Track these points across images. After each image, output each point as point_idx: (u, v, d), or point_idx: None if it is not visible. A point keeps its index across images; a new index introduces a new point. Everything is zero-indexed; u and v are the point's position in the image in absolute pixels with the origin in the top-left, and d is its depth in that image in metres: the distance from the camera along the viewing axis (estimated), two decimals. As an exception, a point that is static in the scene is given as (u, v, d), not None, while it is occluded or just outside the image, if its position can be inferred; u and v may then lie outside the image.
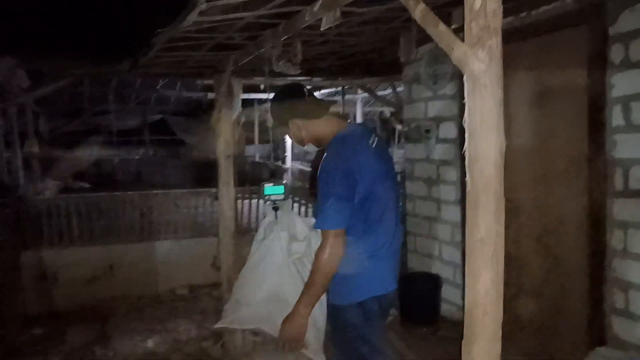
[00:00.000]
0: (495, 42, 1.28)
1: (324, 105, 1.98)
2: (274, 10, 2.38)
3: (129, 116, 13.19)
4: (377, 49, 3.96)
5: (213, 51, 3.27)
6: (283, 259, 3.28)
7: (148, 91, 11.80)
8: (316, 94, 9.75)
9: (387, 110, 11.00)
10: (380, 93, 8.24)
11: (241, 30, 2.79)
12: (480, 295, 1.26)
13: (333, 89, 8.66)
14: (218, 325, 3.16)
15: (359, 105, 10.62)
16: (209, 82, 4.60)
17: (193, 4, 2.07)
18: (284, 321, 1.91)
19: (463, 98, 1.29)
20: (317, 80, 5.75)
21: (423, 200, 3.90)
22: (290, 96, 1.97)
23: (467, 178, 1.30)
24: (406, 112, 4.21)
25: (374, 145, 1.95)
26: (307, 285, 1.87)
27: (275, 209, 3.18)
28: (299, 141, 2.03)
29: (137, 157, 13.83)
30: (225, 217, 3.42)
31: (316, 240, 2.06)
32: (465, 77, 1.30)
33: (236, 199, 4.05)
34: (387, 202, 1.95)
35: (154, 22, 2.76)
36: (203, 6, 2.05)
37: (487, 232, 1.26)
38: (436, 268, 3.65)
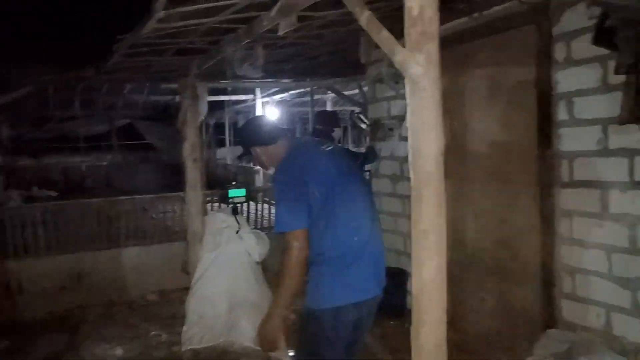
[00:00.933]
0: (432, 47, 1.37)
1: (278, 131, 2.13)
2: (233, 16, 2.44)
3: (96, 122, 12.95)
4: (340, 51, 4.04)
5: (176, 56, 3.30)
6: (249, 263, 3.31)
7: (115, 96, 11.59)
8: (285, 95, 9.77)
9: (357, 110, 11.15)
10: (348, 93, 8.35)
11: (202, 35, 2.84)
12: (425, 283, 1.35)
13: (302, 90, 8.73)
14: (186, 348, 3.14)
15: (328, 105, 10.73)
16: (175, 85, 4.60)
17: (151, 12, 2.11)
18: (260, 326, 1.95)
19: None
20: (285, 81, 5.82)
21: (389, 196, 4.00)
22: (251, 127, 2.17)
23: (411, 174, 1.39)
24: (371, 111, 4.32)
25: (327, 149, 2.06)
26: (277, 289, 1.92)
27: (235, 212, 3.22)
28: (263, 166, 2.17)
29: (105, 163, 13.59)
30: (193, 221, 3.45)
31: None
32: (406, 80, 1.39)
33: (205, 202, 4.07)
34: (355, 202, 1.98)
35: (118, 28, 2.77)
36: (161, 14, 2.09)
37: (430, 224, 1.35)
38: (402, 263, 3.76)
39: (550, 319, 2.58)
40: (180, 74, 3.67)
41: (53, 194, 10.44)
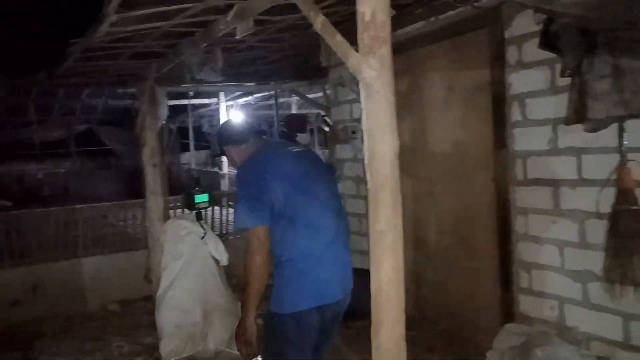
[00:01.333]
0: (385, 51, 1.39)
1: (249, 131, 2.18)
2: (189, 19, 2.41)
3: (52, 127, 12.46)
4: (302, 54, 4.05)
5: (133, 60, 3.23)
6: (216, 268, 3.28)
7: (72, 101, 11.19)
8: (249, 98, 9.67)
9: (322, 113, 11.17)
10: (313, 95, 8.38)
11: (159, 39, 2.78)
12: (383, 282, 1.37)
13: (266, 93, 8.69)
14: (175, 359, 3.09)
15: (293, 108, 10.74)
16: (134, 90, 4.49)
17: (103, 16, 2.06)
18: (236, 332, 1.93)
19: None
20: (248, 85, 5.77)
21: (353, 198, 4.04)
22: (225, 128, 2.27)
23: (367, 176, 1.41)
24: (333, 114, 4.35)
25: (295, 150, 2.08)
26: (243, 289, 1.90)
27: (199, 217, 3.17)
28: (235, 164, 2.20)
29: (63, 170, 13.12)
30: (155, 228, 3.37)
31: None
32: (360, 84, 1.41)
33: (167, 208, 3.99)
34: (319, 204, 1.97)
35: (72, 32, 2.69)
36: (113, 18, 2.04)
37: (387, 225, 1.37)
38: (367, 263, 3.79)
39: (508, 314, 2.67)
40: (138, 78, 3.59)
41: (8, 203, 9.98)
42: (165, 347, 3.09)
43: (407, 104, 3.35)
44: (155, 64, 3.33)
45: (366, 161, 1.42)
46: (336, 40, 1.49)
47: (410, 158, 3.32)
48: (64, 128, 12.78)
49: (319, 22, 1.55)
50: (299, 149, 2.13)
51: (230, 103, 10.10)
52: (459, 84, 3.04)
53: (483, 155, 2.84)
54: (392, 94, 1.39)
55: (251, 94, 8.67)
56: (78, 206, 4.75)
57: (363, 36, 1.38)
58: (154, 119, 3.43)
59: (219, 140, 2.21)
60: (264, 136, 2.27)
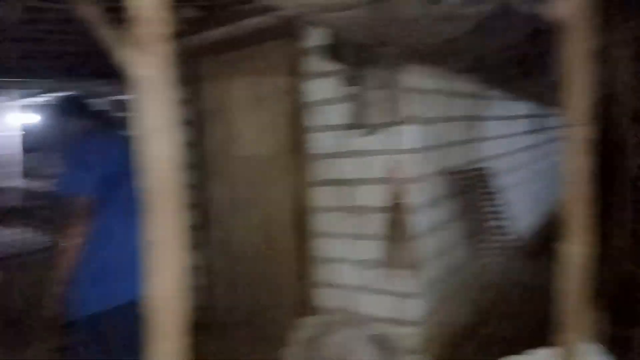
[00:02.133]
0: (159, 48, 1.33)
1: (91, 109, 2.21)
2: None
3: None
4: (99, 50, 3.71)
5: None
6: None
7: None
8: (49, 97, 8.55)
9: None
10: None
11: None
12: (164, 293, 1.30)
13: (68, 92, 7.74)
14: None
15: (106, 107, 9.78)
16: None
17: None
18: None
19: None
20: (36, 81, 5.06)
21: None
22: (71, 101, 2.25)
23: (144, 182, 1.33)
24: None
25: (125, 142, 2.05)
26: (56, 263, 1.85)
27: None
28: (67, 139, 2.14)
29: None
30: None
31: None
32: (133, 82, 1.32)
33: None
34: (127, 207, 1.89)
35: None
36: None
37: (166, 232, 1.30)
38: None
39: (307, 307, 2.84)
40: None
41: None
42: None
43: (216, 110, 3.33)
44: None
45: (143, 165, 1.34)
46: (106, 33, 1.38)
47: (220, 163, 3.31)
48: None
49: (86, 12, 1.42)
50: (129, 145, 2.10)
51: (26, 101, 8.72)
52: (264, 90, 3.14)
53: (284, 158, 2.98)
54: (168, 94, 1.34)
55: (50, 92, 7.61)
56: None
57: (135, 31, 1.30)
58: None
59: (59, 109, 2.20)
60: (104, 120, 2.26)
